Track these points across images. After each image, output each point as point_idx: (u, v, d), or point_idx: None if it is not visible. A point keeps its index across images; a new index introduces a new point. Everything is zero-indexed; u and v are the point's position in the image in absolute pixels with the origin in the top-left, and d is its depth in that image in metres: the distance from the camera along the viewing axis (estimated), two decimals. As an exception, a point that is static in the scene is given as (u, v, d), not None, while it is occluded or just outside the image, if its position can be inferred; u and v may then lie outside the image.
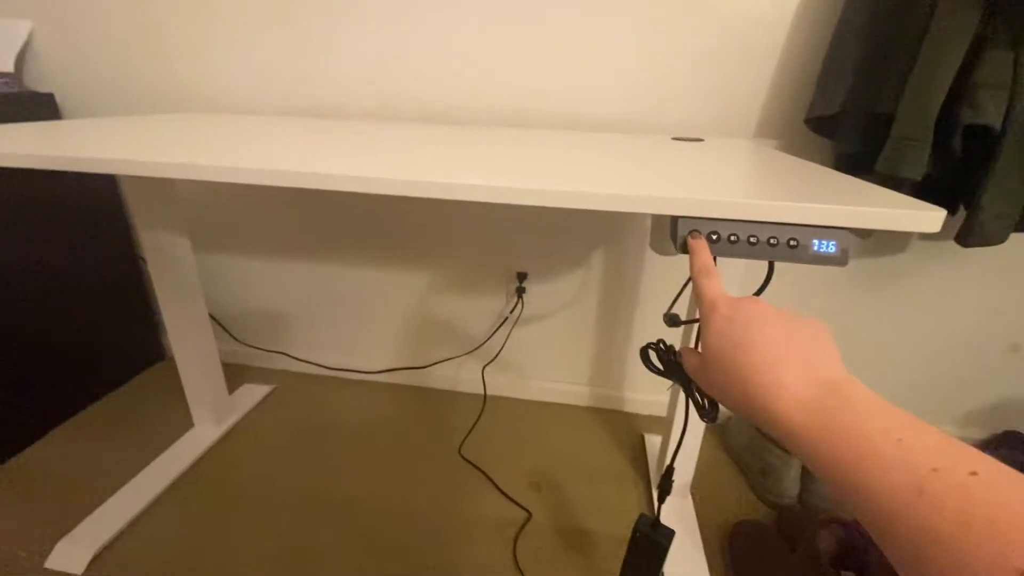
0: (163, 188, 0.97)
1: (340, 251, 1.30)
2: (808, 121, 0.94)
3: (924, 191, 0.92)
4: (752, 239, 0.45)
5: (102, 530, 0.92)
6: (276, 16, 1.08)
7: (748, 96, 1.00)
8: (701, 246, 0.43)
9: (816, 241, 0.44)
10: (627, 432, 1.25)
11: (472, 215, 1.19)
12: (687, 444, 0.86)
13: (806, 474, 1.03)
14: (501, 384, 1.36)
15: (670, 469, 0.67)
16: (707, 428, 1.11)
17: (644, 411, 1.32)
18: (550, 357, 1.33)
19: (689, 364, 0.40)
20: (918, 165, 0.78)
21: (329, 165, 0.55)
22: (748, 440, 1.12)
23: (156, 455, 1.09)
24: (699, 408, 0.46)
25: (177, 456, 1.09)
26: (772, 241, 0.45)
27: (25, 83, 1.24)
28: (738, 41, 0.96)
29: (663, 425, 1.26)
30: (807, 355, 0.32)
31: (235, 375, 1.40)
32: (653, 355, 0.51)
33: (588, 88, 1.04)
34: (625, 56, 1.00)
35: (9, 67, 1.17)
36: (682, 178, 0.56)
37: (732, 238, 0.45)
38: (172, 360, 1.46)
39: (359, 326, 1.39)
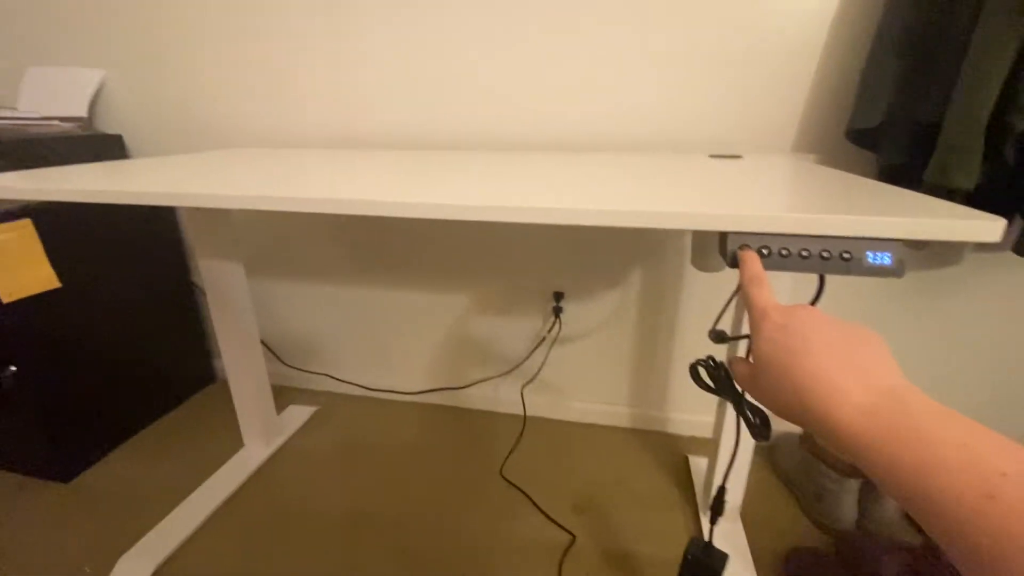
0: (220, 218, 1.03)
1: (381, 275, 1.34)
2: (849, 133, 0.93)
3: (976, 201, 0.89)
4: (804, 252, 0.44)
5: (161, 547, 0.96)
6: (319, 60, 1.15)
7: (785, 110, 1.00)
8: (751, 256, 0.44)
9: (870, 253, 0.44)
10: (670, 453, 1.23)
11: (509, 236, 1.21)
12: (737, 464, 0.84)
13: (864, 498, 0.99)
14: (540, 404, 1.36)
15: (722, 489, 0.65)
16: (755, 449, 1.08)
17: (687, 432, 1.30)
18: (589, 377, 1.32)
19: (740, 373, 0.39)
20: (970, 175, 0.76)
21: (381, 193, 0.57)
22: (800, 462, 1.08)
23: (209, 474, 1.13)
24: (750, 426, 0.45)
25: (229, 476, 1.13)
26: (824, 254, 0.44)
27: (96, 126, 1.35)
28: (772, 55, 0.97)
29: (708, 446, 1.23)
30: (864, 362, 0.31)
31: (281, 396, 1.45)
32: (703, 372, 0.51)
33: (623, 108, 1.06)
34: (658, 74, 1.02)
35: (83, 112, 1.28)
36: (726, 194, 0.56)
37: (783, 252, 0.45)
38: (222, 382, 1.54)
39: (399, 347, 1.42)
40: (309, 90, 1.19)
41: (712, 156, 0.94)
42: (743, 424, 0.46)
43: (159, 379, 1.38)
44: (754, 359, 0.37)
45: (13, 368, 1.03)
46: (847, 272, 0.44)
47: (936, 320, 1.08)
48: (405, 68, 1.12)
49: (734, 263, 0.45)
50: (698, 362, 0.51)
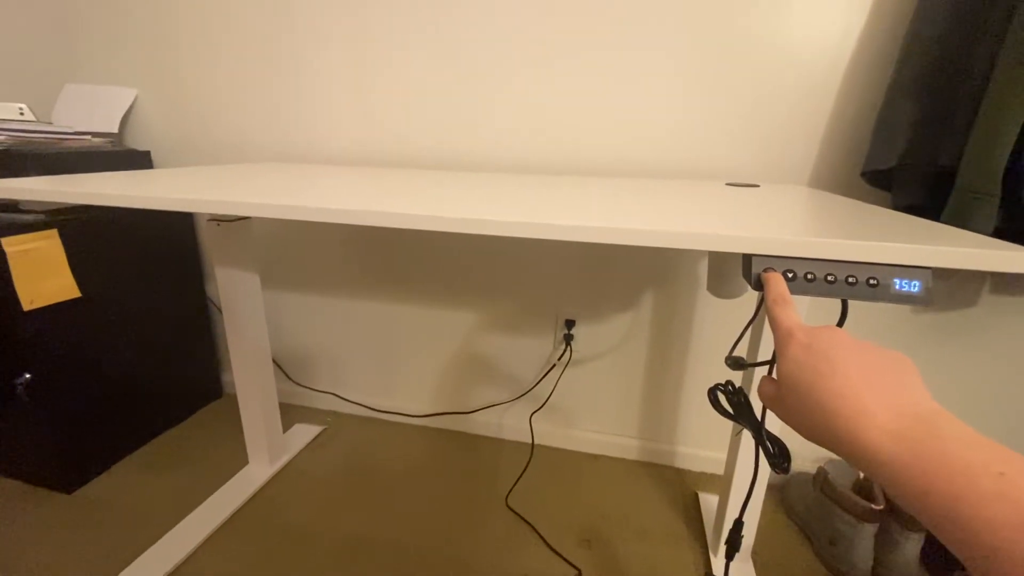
0: (240, 232, 1.04)
1: (391, 293, 1.35)
2: (864, 174, 0.94)
3: (994, 244, 0.89)
4: (830, 277, 0.44)
5: (162, 563, 0.94)
6: (344, 81, 1.18)
7: (801, 147, 1.02)
8: (776, 277, 0.43)
9: (897, 280, 0.43)
10: (680, 489, 1.20)
11: (520, 259, 1.22)
12: (749, 509, 0.82)
13: (880, 544, 0.96)
14: (548, 433, 1.35)
15: (739, 523, 0.64)
16: (767, 488, 1.06)
17: (697, 467, 1.27)
18: (599, 407, 1.31)
19: (765, 393, 0.39)
20: (988, 219, 0.76)
21: (403, 206, 0.57)
22: (813, 503, 1.05)
23: (212, 491, 1.12)
24: (769, 456, 0.44)
25: (232, 494, 1.12)
26: (851, 280, 0.44)
27: (126, 142, 1.39)
28: (791, 92, 0.99)
29: (719, 484, 1.21)
30: (892, 385, 0.31)
31: (288, 414, 1.45)
32: (722, 397, 0.50)
33: (643, 137, 1.08)
34: (676, 105, 1.04)
35: (114, 128, 1.32)
36: (746, 218, 0.56)
37: (809, 276, 0.44)
38: (229, 397, 1.54)
39: (406, 368, 1.42)
40: (333, 111, 1.22)
41: (728, 184, 0.95)
42: (762, 455, 0.45)
43: (167, 392, 1.38)
44: (779, 379, 0.36)
45: (28, 375, 1.03)
46: (873, 299, 0.44)
47: (950, 362, 1.07)
48: (428, 90, 1.15)
49: (758, 285, 0.45)
50: (717, 387, 0.50)
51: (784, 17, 0.95)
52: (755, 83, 1.00)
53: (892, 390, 0.31)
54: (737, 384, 0.50)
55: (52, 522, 1.06)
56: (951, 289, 1.02)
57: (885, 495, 0.98)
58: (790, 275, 0.44)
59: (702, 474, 1.26)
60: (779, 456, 0.44)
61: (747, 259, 0.46)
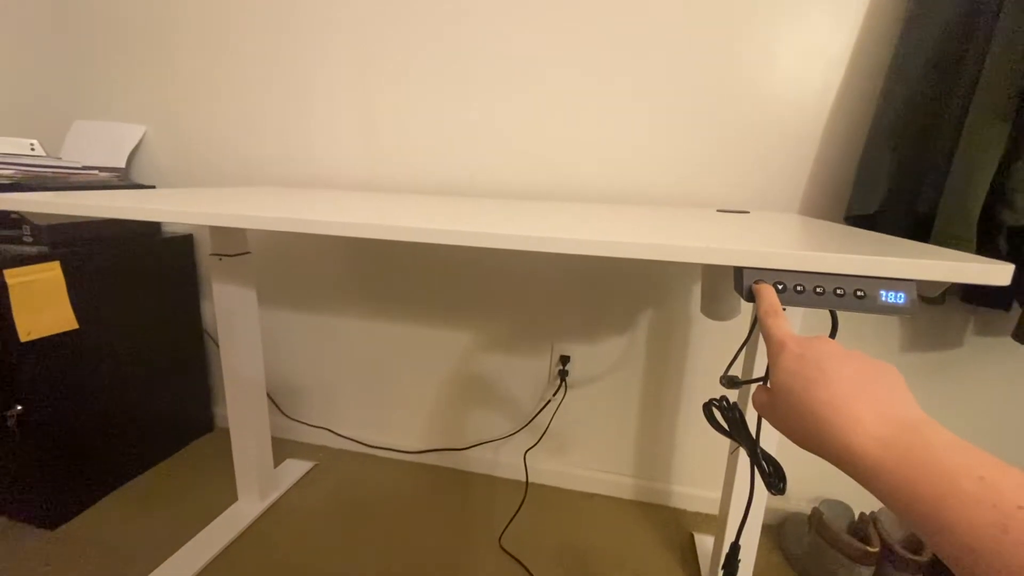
0: (240, 265, 1.06)
1: (387, 328, 1.36)
2: (848, 218, 0.98)
3: (974, 290, 0.93)
4: (818, 289, 0.46)
5: (142, 606, 0.91)
6: (346, 114, 1.23)
7: (785, 190, 1.06)
8: (768, 289, 0.45)
9: (883, 292, 0.45)
10: (675, 530, 1.19)
11: (516, 293, 1.24)
12: (747, 532, 0.82)
13: (877, 588, 0.95)
14: (542, 471, 1.34)
15: (735, 547, 0.63)
16: (763, 530, 1.05)
17: (692, 507, 1.26)
18: (594, 444, 1.30)
19: (758, 401, 0.39)
20: (966, 263, 0.79)
21: (392, 219, 0.58)
22: (809, 545, 1.04)
23: (200, 528, 1.10)
24: (764, 476, 0.45)
25: (220, 531, 1.09)
26: (839, 291, 0.46)
27: (133, 177, 1.42)
28: (775, 137, 1.04)
29: (714, 524, 1.19)
30: (882, 394, 0.32)
31: (279, 448, 1.43)
32: (717, 413, 0.50)
33: (634, 169, 1.12)
34: (669, 139, 1.09)
35: (122, 164, 1.36)
36: (738, 237, 0.57)
37: (798, 288, 0.46)
38: (220, 431, 1.52)
39: (400, 403, 1.41)
40: (338, 145, 1.26)
41: (719, 211, 0.98)
42: (757, 475, 0.46)
43: (159, 426, 1.36)
44: (772, 387, 0.37)
45: (20, 408, 1.03)
46: (861, 309, 0.46)
47: (935, 402, 1.08)
48: (431, 123, 1.19)
49: (750, 297, 0.46)
50: (712, 402, 0.51)
51: (767, 73, 1.01)
52: (742, 127, 1.05)
53: (881, 398, 0.32)
54: (733, 400, 0.50)
55: (34, 560, 1.03)
56: (936, 330, 1.05)
57: (881, 538, 0.97)
58: (780, 287, 0.46)
59: (698, 514, 1.25)
60: (774, 476, 0.44)
61: (738, 272, 0.48)
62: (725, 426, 0.49)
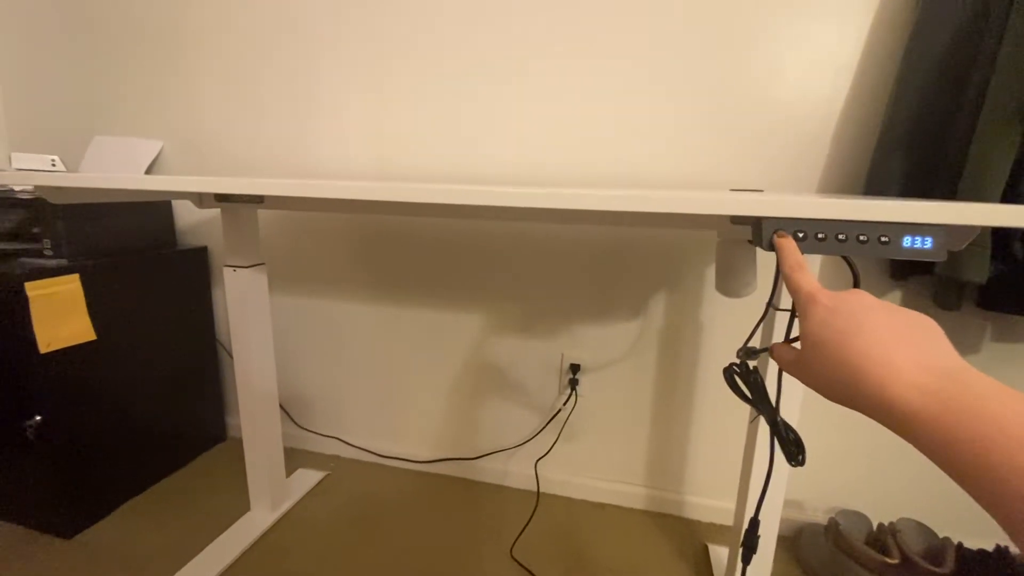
0: (255, 276, 1.07)
1: (398, 336, 1.37)
2: (860, 224, 0.97)
3: (990, 294, 0.91)
4: (840, 236, 0.44)
5: (157, 615, 0.92)
6: (355, 125, 1.25)
7: (804, 171, 1.05)
8: (790, 244, 0.43)
9: (908, 237, 0.43)
10: (689, 541, 1.17)
11: (527, 298, 1.24)
12: (759, 559, 0.80)
13: (897, 601, 0.93)
14: (553, 480, 1.33)
15: (755, 522, 0.62)
16: (778, 541, 1.03)
17: (706, 518, 1.24)
18: (605, 453, 1.29)
19: (783, 358, 0.38)
20: (981, 269, 0.78)
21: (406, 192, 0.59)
22: (827, 557, 1.02)
23: (213, 538, 1.10)
24: (784, 444, 0.44)
25: (232, 541, 1.10)
26: (861, 238, 0.44)
27: (149, 190, 1.45)
28: (785, 141, 1.03)
29: (729, 535, 1.17)
30: (920, 343, 0.31)
31: (291, 458, 1.43)
32: (739, 380, 0.49)
33: (649, 153, 1.11)
34: (682, 125, 1.09)
35: (139, 177, 1.39)
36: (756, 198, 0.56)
37: (819, 236, 0.45)
38: (232, 441, 1.53)
39: (411, 414, 1.42)
40: (350, 160, 1.28)
41: (732, 190, 0.98)
42: (778, 448, 0.44)
43: (174, 435, 1.38)
44: (803, 342, 0.36)
45: (39, 418, 1.05)
46: (885, 255, 0.44)
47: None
48: (441, 113, 1.20)
49: (771, 247, 0.45)
50: (732, 365, 0.50)
51: (776, 77, 1.01)
52: (750, 130, 1.05)
53: (919, 347, 0.31)
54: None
55: (50, 569, 1.04)
56: (953, 336, 1.03)
57: (900, 549, 0.95)
58: (801, 235, 0.45)
59: (711, 525, 1.23)
60: (794, 444, 0.43)
61: (758, 222, 0.46)
62: (747, 392, 0.48)
